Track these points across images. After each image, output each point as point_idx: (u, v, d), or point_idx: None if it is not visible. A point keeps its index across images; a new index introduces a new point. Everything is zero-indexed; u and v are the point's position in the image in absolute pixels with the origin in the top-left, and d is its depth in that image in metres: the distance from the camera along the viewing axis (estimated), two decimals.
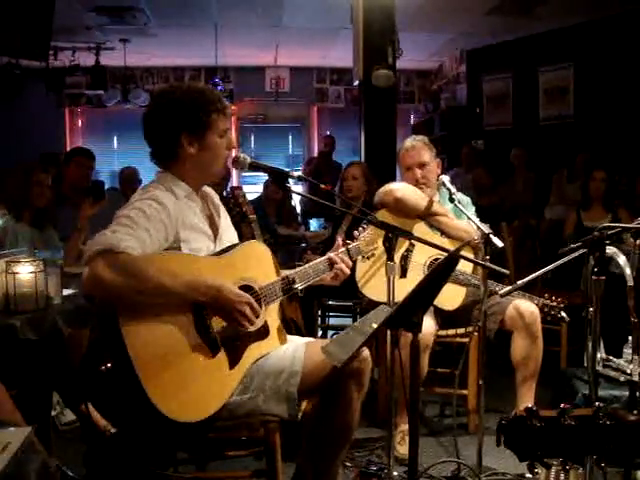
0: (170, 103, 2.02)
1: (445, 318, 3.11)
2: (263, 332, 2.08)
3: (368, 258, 2.52)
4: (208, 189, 2.23)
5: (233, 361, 1.96)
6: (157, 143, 2.06)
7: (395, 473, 2.39)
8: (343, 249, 2.32)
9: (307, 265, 2.24)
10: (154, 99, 2.11)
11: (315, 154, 9.36)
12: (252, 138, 10.03)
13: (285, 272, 2.19)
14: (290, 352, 2.07)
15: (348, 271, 2.30)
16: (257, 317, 2.00)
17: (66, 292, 2.84)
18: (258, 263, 2.15)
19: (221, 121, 2.06)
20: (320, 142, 9.39)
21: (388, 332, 2.22)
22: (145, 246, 1.83)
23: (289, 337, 2.23)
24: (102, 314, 1.84)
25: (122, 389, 1.85)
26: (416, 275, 3.01)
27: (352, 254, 2.35)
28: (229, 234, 2.22)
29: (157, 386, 1.77)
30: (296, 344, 2.13)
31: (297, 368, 2.00)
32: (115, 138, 9.72)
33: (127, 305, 1.79)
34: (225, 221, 2.23)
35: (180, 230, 1.97)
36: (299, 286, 2.17)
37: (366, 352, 2.06)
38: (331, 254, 2.29)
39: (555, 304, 3.00)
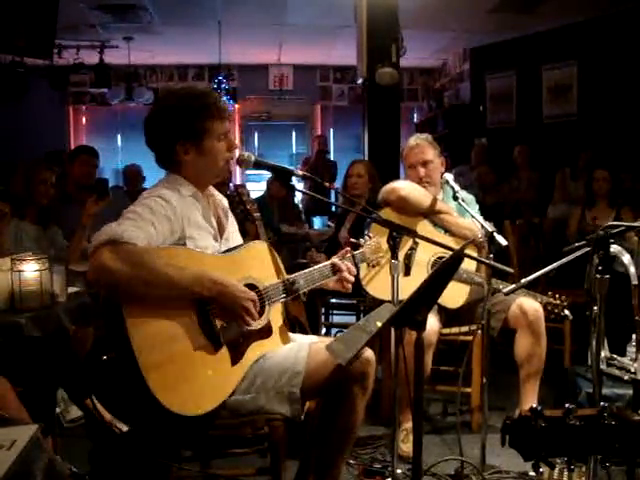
0: (164, 113, 2.05)
1: (449, 316, 3.12)
2: (266, 331, 2.09)
3: (373, 266, 2.54)
4: (219, 196, 2.26)
5: (235, 358, 1.97)
6: (157, 151, 2.10)
7: (399, 471, 2.40)
8: (348, 256, 2.34)
9: (313, 268, 2.25)
10: (151, 107, 2.13)
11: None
12: (256, 136, 10.05)
13: (291, 275, 2.19)
14: (293, 352, 2.07)
15: (352, 279, 2.32)
16: (261, 315, 2.01)
17: (71, 290, 2.85)
18: (262, 263, 2.16)
19: (218, 125, 2.06)
20: (314, 141, 9.39)
21: (392, 330, 2.22)
22: (150, 238, 1.84)
23: (293, 336, 2.24)
24: (107, 306, 1.85)
25: (124, 380, 1.86)
26: (420, 273, 3.01)
27: (357, 261, 2.39)
28: (235, 239, 2.23)
29: (158, 378, 1.78)
30: (300, 344, 2.14)
31: (300, 368, 2.00)
32: (119, 136, 9.74)
33: (131, 297, 1.79)
34: (232, 227, 2.25)
35: (186, 227, 1.98)
36: (302, 289, 2.18)
37: (371, 355, 2.05)
38: (335, 260, 2.30)
39: (559, 302, 3.00)
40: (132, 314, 1.79)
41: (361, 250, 2.43)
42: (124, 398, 2.00)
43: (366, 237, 2.50)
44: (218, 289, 1.88)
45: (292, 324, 2.37)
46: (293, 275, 2.18)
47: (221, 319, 1.95)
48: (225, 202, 2.28)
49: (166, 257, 1.87)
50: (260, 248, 2.20)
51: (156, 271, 1.79)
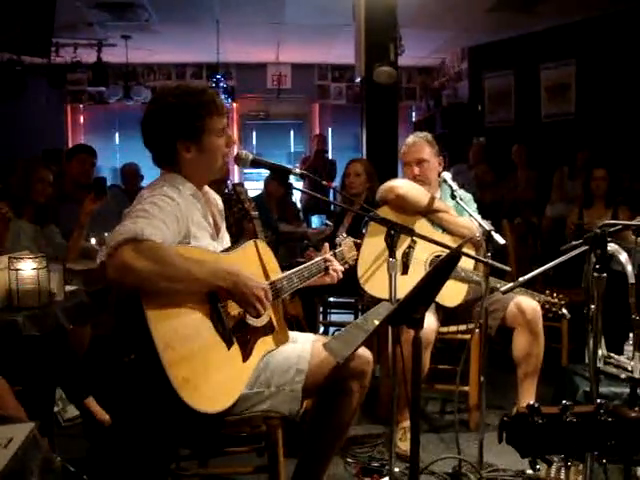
0: (163, 112, 2.02)
1: (446, 315, 3.12)
2: (269, 328, 2.11)
3: (350, 265, 2.59)
4: (213, 194, 2.26)
5: (245, 355, 1.98)
6: (155, 151, 2.08)
7: (396, 469, 2.39)
8: (337, 250, 2.40)
9: (302, 266, 2.27)
10: (148, 107, 2.10)
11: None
12: (254, 135, 10.04)
13: (283, 274, 2.21)
14: (296, 351, 2.09)
15: (340, 274, 2.39)
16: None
17: (68, 288, 2.85)
18: (258, 262, 2.17)
19: (216, 121, 2.05)
20: (312, 140, 9.39)
21: (390, 329, 2.23)
22: (164, 236, 1.83)
23: (293, 334, 2.26)
24: (125, 306, 1.83)
25: (144, 378, 1.84)
26: (418, 272, 3.01)
27: (338, 259, 2.46)
28: (227, 239, 2.25)
29: (181, 376, 1.77)
30: (302, 343, 2.16)
31: (302, 367, 2.02)
32: (117, 134, 9.72)
33: (152, 295, 1.78)
34: (224, 227, 2.26)
35: (190, 226, 1.98)
36: (286, 291, 2.19)
37: (369, 354, 2.09)
38: (327, 255, 2.37)
39: (556, 301, 3.00)
40: (153, 312, 1.77)
41: (340, 249, 2.50)
42: (138, 398, 2.00)
43: (341, 236, 2.59)
44: (233, 279, 1.89)
45: (290, 323, 2.38)
46: (279, 276, 2.19)
47: (233, 314, 1.96)
48: (219, 201, 2.28)
49: (183, 252, 1.87)
50: (255, 246, 2.19)
51: (177, 266, 1.79)
